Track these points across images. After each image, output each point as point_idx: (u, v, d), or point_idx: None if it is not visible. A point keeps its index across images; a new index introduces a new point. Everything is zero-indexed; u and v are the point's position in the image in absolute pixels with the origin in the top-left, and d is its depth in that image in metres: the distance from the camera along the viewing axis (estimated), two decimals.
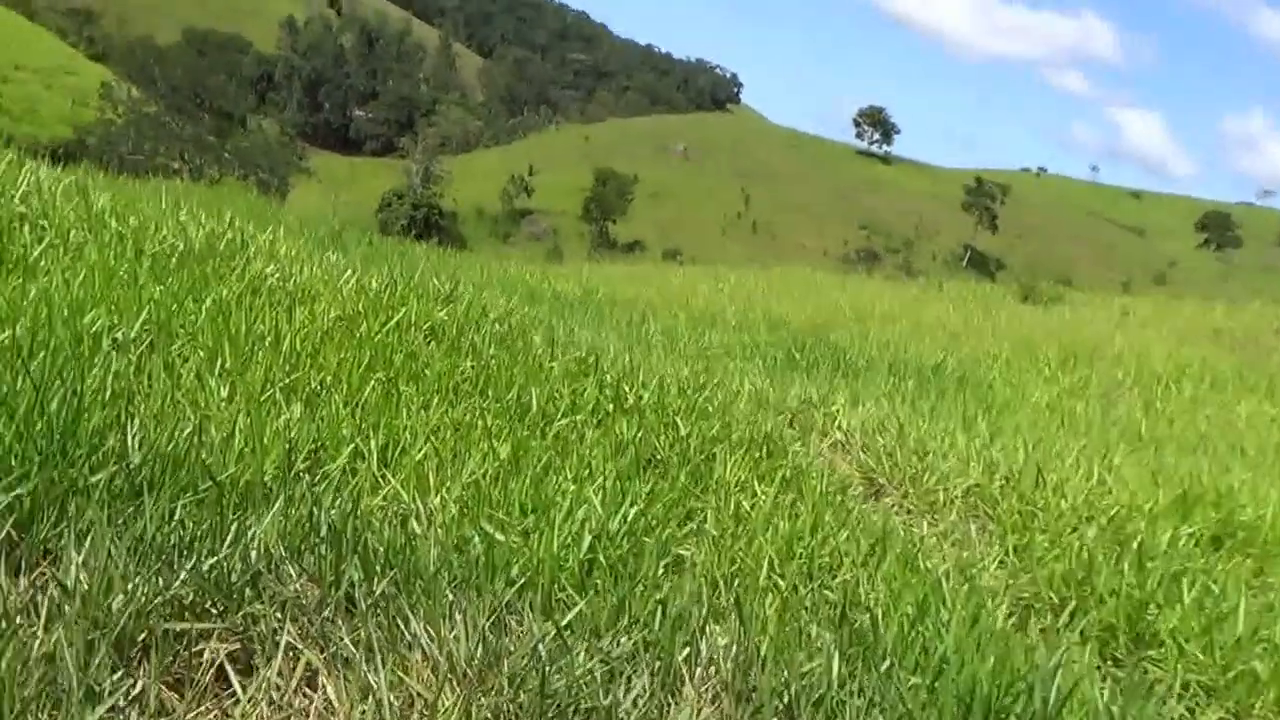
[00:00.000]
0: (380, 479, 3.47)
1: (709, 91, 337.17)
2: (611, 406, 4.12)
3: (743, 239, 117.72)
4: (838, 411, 6.07)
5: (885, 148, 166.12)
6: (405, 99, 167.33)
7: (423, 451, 3.56)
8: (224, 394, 3.48)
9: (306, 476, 3.31)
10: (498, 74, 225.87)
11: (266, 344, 3.80)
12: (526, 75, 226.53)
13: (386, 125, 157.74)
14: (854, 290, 18.31)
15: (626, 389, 4.24)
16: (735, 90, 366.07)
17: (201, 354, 3.66)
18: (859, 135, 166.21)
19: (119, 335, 3.56)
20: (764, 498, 4.12)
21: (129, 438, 2.85)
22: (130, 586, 2.30)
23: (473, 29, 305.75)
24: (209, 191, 12.91)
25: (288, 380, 3.64)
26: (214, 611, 2.43)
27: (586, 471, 3.74)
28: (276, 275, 4.43)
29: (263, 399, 3.52)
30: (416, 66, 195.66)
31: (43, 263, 3.90)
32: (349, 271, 4.53)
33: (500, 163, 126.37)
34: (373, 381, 3.79)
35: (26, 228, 4.11)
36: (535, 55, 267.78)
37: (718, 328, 11.53)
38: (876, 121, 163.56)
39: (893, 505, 5.05)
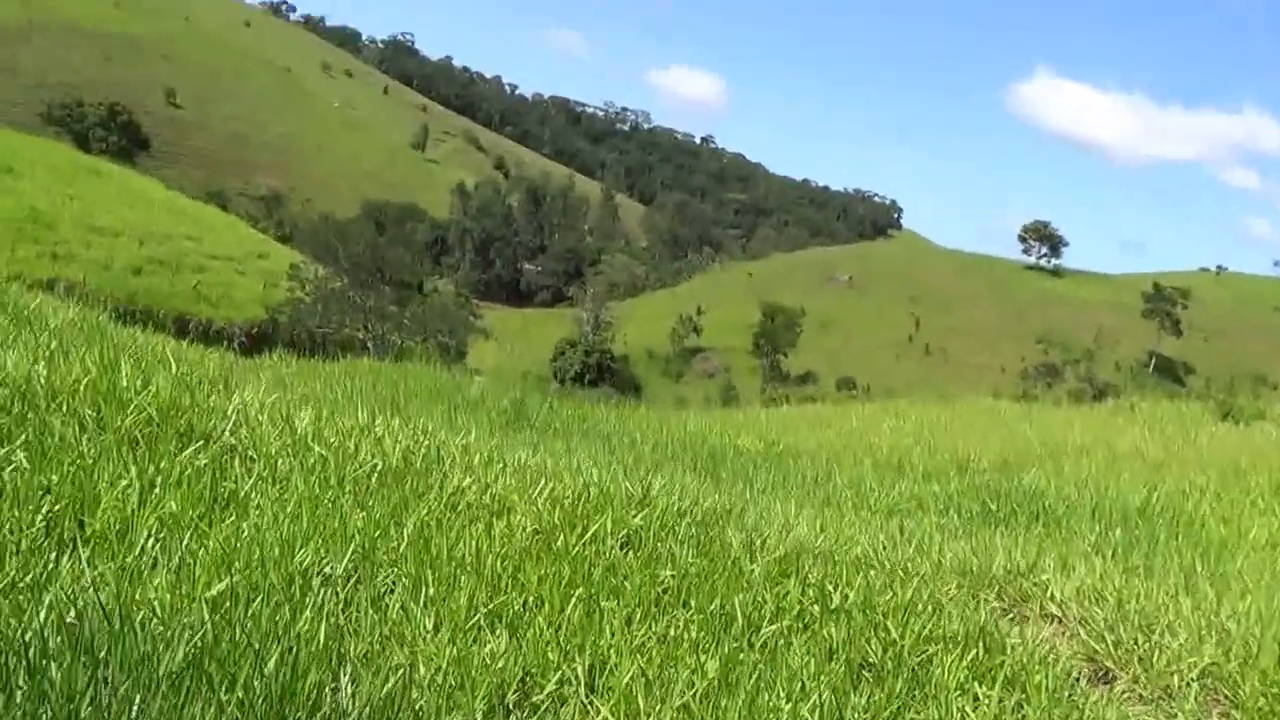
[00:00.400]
0: (589, 705, 3.38)
1: (869, 219, 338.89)
2: (817, 609, 3.94)
3: (916, 362, 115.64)
4: (1048, 581, 5.67)
5: (1054, 261, 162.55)
6: (572, 250, 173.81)
7: (630, 673, 3.46)
8: (430, 625, 3.49)
9: (516, 712, 3.26)
10: (660, 219, 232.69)
11: (468, 565, 3.82)
12: (687, 218, 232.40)
13: (555, 276, 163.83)
14: (1041, 420, 17.52)
15: (831, 588, 4.07)
16: (895, 216, 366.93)
17: (406, 582, 3.69)
18: (1026, 250, 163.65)
19: (328, 570, 3.63)
20: (987, 702, 3.83)
21: (343, 691, 2.87)
22: None
23: (633, 179, 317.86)
24: (396, 369, 13.47)
25: (491, 605, 3.63)
26: None
27: (799, 686, 3.56)
28: (473, 487, 4.49)
29: (468, 626, 3.51)
30: (581, 219, 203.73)
31: (254, 497, 4.05)
32: (542, 481, 4.54)
33: (667, 304, 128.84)
34: (574, 599, 3.74)
35: (237, 460, 4.31)
36: (695, 199, 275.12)
37: (905, 476, 11.14)
38: (1043, 235, 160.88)
39: (1124, 693, 4.63)
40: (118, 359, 4.84)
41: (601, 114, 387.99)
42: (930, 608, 4.18)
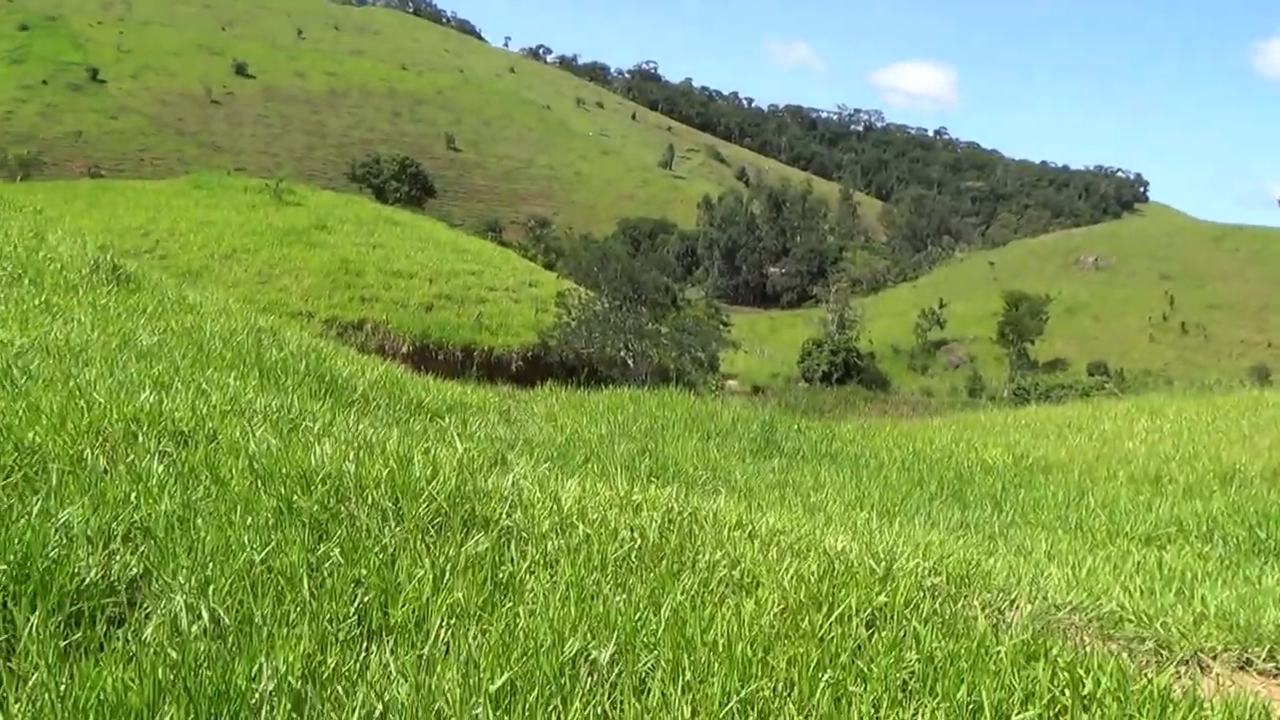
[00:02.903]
0: None
1: (1113, 196, 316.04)
2: (1068, 695, 3.70)
3: (1171, 343, 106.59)
4: None
5: None
6: (814, 251, 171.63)
7: None
8: (688, 713, 3.53)
9: None
10: (898, 214, 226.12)
11: (720, 649, 3.83)
12: (925, 211, 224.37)
13: (800, 277, 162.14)
14: None
15: (1082, 673, 3.80)
16: (1142, 190, 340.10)
17: (664, 667, 3.75)
18: None
19: (594, 656, 3.74)
20: None
21: None
22: None
23: (869, 177, 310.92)
24: (654, 399, 13.74)
25: (743, 691, 3.62)
26: None
27: None
28: (723, 562, 4.51)
29: (723, 715, 3.53)
30: (821, 220, 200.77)
31: (528, 581, 4.24)
32: (788, 559, 4.51)
33: (910, 298, 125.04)
34: (822, 683, 3.68)
35: (513, 544, 4.51)
36: (931, 191, 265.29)
37: (1164, 493, 10.29)
38: None
39: None
40: (411, 452, 5.19)
41: (835, 117, 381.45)
42: (1190, 702, 3.82)
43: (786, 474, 9.63)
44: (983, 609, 4.46)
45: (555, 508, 4.93)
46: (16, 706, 3.15)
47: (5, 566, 3.74)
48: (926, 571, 4.82)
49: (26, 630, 3.51)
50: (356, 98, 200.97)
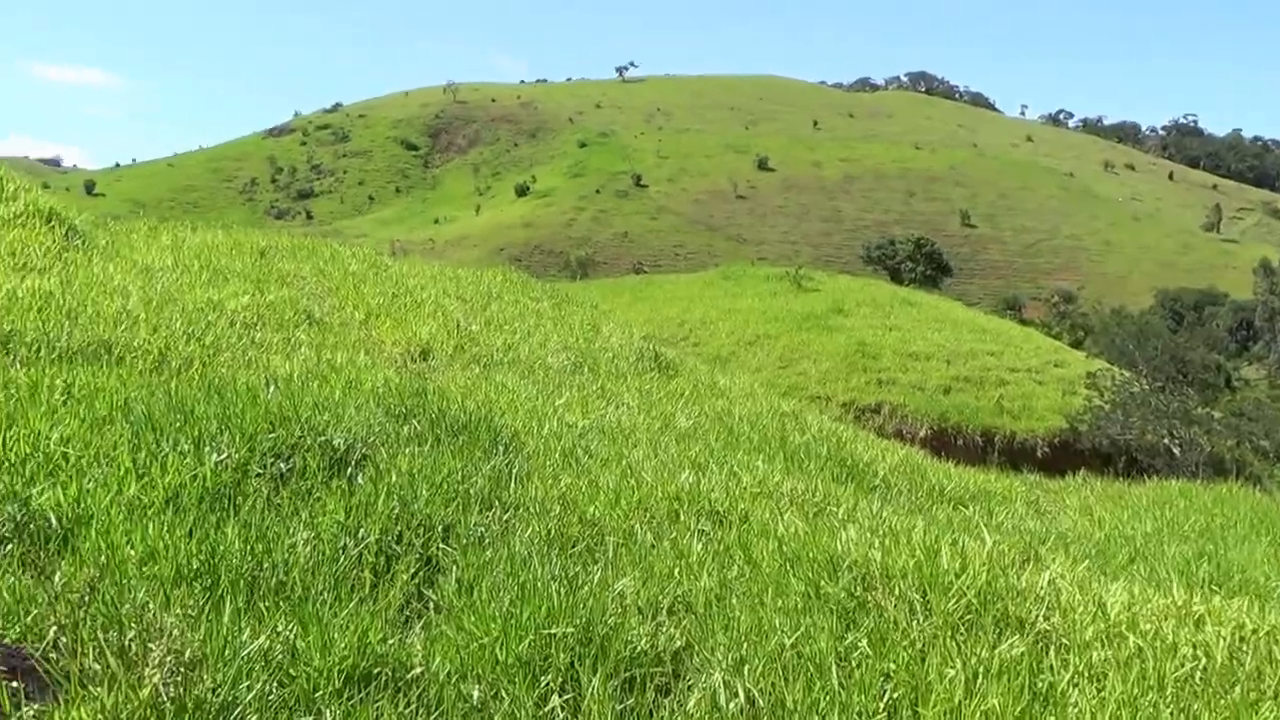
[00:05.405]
0: None
1: None
2: None
3: None
4: None
5: None
6: None
7: None
8: None
9: None
10: None
11: None
12: None
13: None
14: None
15: None
16: None
17: None
18: None
19: None
20: None
21: None
22: None
23: None
24: (1209, 494, 12.18)
25: None
26: None
27: None
28: None
29: None
30: None
31: (1070, 694, 3.91)
32: None
33: None
34: None
35: (1051, 650, 4.20)
36: None
37: None
38: None
39: None
40: (938, 543, 5.08)
41: None
42: None
43: None
44: None
45: (1099, 614, 4.52)
46: None
47: (573, 629, 4.23)
48: None
49: (589, 690, 3.93)
50: (870, 181, 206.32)
